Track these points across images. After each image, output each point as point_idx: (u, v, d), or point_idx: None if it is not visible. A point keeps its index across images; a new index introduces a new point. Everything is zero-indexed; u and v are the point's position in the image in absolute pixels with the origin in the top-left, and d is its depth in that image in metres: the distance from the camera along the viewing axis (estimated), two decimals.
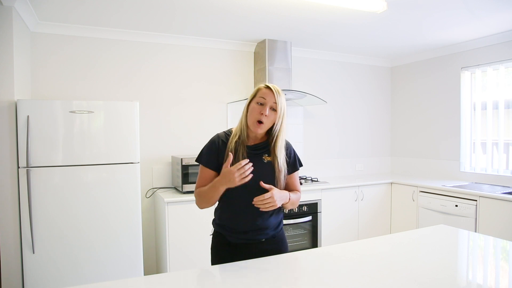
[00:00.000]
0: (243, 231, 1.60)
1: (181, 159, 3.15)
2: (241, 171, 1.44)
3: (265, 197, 1.48)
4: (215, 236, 1.69)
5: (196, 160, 1.64)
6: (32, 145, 2.49)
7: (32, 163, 2.50)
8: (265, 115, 1.52)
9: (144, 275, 2.93)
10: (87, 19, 3.02)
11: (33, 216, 2.50)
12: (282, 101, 1.55)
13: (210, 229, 1.90)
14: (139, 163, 2.81)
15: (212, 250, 1.69)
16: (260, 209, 1.52)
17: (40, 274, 2.53)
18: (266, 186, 1.53)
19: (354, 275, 1.38)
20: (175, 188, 3.43)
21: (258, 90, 1.58)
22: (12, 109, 2.49)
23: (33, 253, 2.51)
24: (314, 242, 3.65)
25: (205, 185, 1.58)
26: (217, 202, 1.67)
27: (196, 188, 1.63)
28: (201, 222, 3.08)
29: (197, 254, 3.06)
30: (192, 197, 3.04)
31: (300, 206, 3.53)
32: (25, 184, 2.48)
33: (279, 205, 1.55)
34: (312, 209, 3.62)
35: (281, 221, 1.71)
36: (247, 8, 2.80)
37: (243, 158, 1.51)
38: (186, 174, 3.15)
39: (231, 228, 1.61)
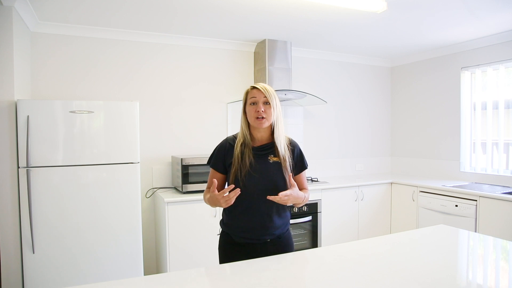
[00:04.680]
0: (249, 229, 1.65)
1: (181, 159, 3.15)
2: (225, 198, 1.51)
3: (286, 194, 1.54)
4: (222, 235, 1.75)
5: (207, 163, 1.78)
6: (32, 145, 2.49)
7: (32, 163, 2.50)
8: (262, 111, 1.62)
9: (144, 275, 2.93)
10: (87, 19, 3.02)
11: (33, 216, 2.50)
12: (271, 94, 1.65)
13: (217, 228, 2.33)
14: (139, 163, 2.82)
15: (219, 249, 1.76)
16: (273, 199, 1.55)
17: (40, 274, 2.54)
18: (288, 192, 1.57)
19: (354, 275, 1.38)
20: (175, 188, 3.44)
21: (247, 93, 1.69)
22: (12, 109, 2.50)
23: (33, 253, 2.51)
24: (314, 242, 3.65)
25: (211, 185, 1.60)
26: None
27: (207, 187, 1.72)
28: (201, 222, 3.08)
29: (197, 254, 3.06)
30: (192, 197, 3.06)
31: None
32: (25, 184, 2.48)
33: (289, 204, 1.62)
34: (312, 209, 3.62)
35: (287, 222, 1.75)
36: (247, 8, 2.80)
37: (250, 160, 1.62)
38: (186, 174, 3.15)
39: (237, 226, 1.67)
